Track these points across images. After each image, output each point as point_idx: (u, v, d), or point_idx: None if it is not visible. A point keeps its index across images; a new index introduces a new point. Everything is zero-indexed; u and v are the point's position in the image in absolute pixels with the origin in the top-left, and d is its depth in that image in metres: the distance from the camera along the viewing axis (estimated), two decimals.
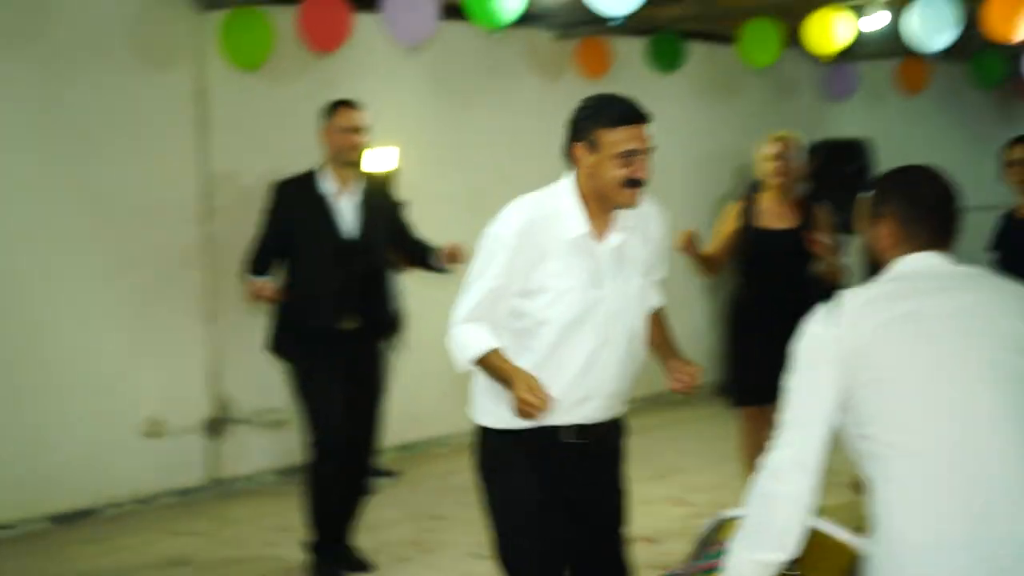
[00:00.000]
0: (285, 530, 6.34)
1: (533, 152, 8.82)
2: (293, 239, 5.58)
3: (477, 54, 8.53)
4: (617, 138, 3.42)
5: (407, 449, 8.16)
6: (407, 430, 8.09)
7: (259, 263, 5.63)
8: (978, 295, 2.61)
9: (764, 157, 5.95)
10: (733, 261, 6.02)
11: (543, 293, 3.49)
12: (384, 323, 5.91)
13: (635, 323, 3.60)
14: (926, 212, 2.67)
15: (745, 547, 2.65)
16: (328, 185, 5.59)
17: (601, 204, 3.50)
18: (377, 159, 7.26)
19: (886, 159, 10.66)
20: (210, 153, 7.24)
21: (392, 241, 5.81)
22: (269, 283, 5.55)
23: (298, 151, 6.31)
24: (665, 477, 7.49)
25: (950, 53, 9.18)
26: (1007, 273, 3.00)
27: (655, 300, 3.77)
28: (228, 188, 7.26)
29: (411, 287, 7.41)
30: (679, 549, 5.83)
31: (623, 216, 3.55)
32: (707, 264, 5.92)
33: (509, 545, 3.59)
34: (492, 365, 3.47)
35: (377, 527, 6.45)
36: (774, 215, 5.90)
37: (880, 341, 2.56)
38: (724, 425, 8.66)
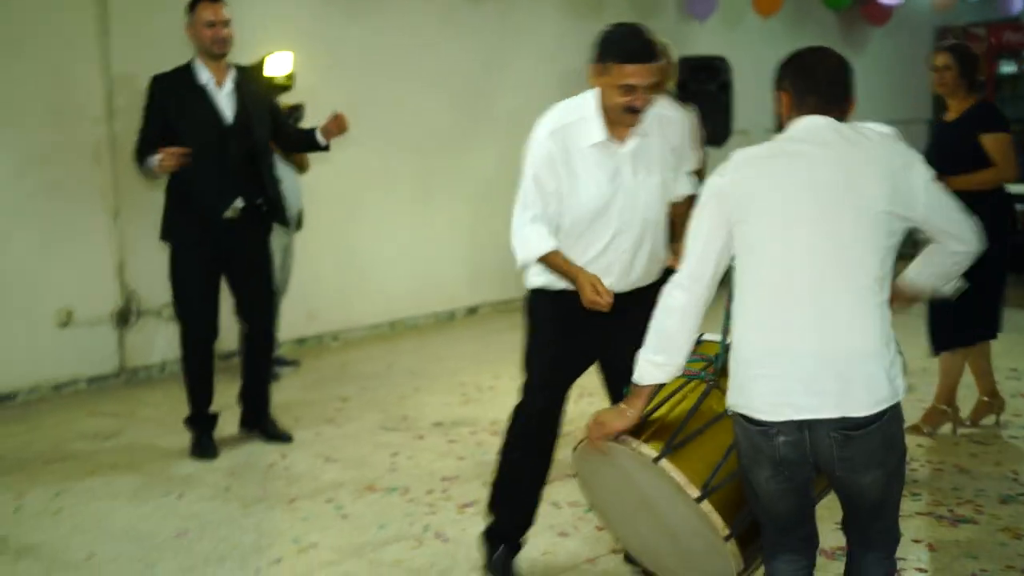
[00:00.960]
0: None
1: (411, 64, 9.26)
2: (174, 129, 5.76)
3: None
4: (623, 72, 3.88)
5: (301, 343, 8.56)
6: (302, 325, 8.50)
7: (145, 154, 5.77)
8: (845, 151, 3.08)
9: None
10: None
11: (573, 193, 4.06)
12: (267, 209, 6.04)
13: (649, 214, 4.13)
14: (814, 84, 3.16)
15: (646, 350, 3.26)
16: (203, 75, 5.85)
17: (611, 117, 4.03)
18: (276, 63, 7.58)
19: (743, 77, 11.36)
20: (111, 55, 7.48)
21: (271, 128, 6.04)
22: (166, 150, 5.66)
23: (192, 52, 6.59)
24: None
25: None
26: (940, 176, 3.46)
27: (684, 188, 4.30)
28: (129, 89, 7.49)
29: (307, 182, 7.77)
30: (570, 418, 6.50)
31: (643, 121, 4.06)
32: None
33: (531, 361, 4.31)
34: (554, 264, 4.06)
35: (290, 407, 6.89)
36: None
37: (752, 187, 3.11)
38: None
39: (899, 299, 3.26)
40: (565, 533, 4.89)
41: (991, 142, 5.82)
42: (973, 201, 4.48)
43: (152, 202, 6.63)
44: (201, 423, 6.10)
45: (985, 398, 6.27)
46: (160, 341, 7.75)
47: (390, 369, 8.00)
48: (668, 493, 3.29)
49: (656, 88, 4.01)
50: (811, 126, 3.12)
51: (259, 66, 7.46)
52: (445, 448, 6.13)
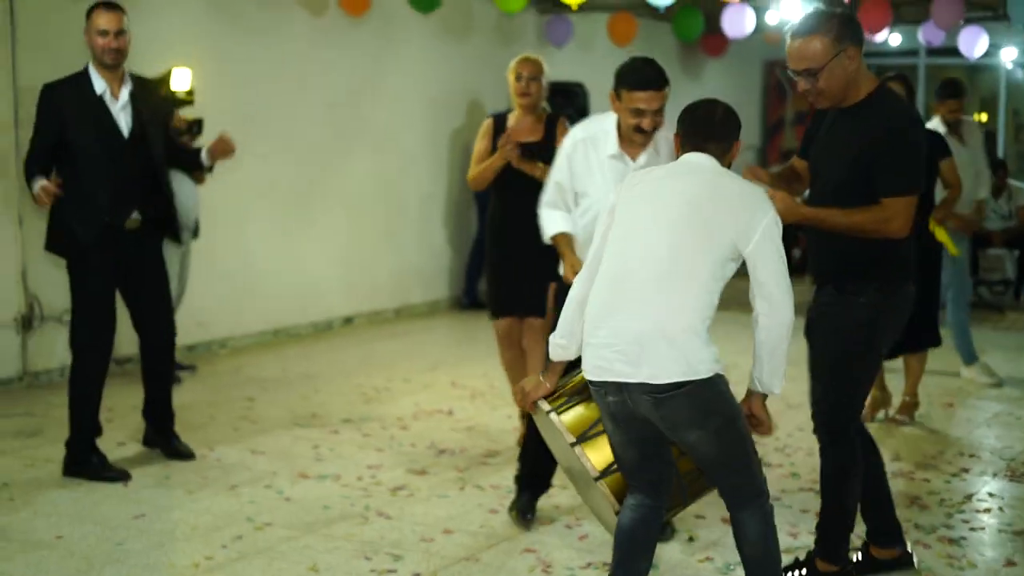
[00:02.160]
0: (110, 410, 6.98)
1: (301, 78, 9.67)
2: (68, 139, 5.69)
3: None
4: (632, 98, 4.62)
5: (191, 349, 8.84)
6: (193, 332, 8.78)
7: (36, 164, 5.70)
8: (689, 178, 3.77)
9: (513, 77, 6.17)
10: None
11: (586, 196, 4.86)
12: (163, 221, 6.07)
13: None
14: (695, 127, 3.88)
15: (554, 334, 3.99)
16: (98, 84, 5.75)
17: (625, 136, 4.76)
18: (177, 78, 7.91)
19: (596, 101, 12.07)
20: (18, 65, 7.70)
21: (164, 141, 6.07)
22: (48, 182, 5.62)
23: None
24: (437, 368, 8.57)
25: (653, 10, 10.60)
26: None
27: None
28: (34, 99, 7.70)
29: (203, 193, 8.11)
30: (470, 415, 7.03)
31: (654, 141, 4.75)
32: (482, 180, 6.27)
33: None
34: (558, 244, 4.98)
35: (200, 406, 7.23)
36: (523, 131, 6.14)
37: (629, 198, 3.81)
38: (474, 328, 9.90)
39: (758, 413, 3.88)
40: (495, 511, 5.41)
41: (947, 167, 6.84)
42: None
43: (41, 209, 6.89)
44: (89, 446, 5.89)
45: (907, 397, 7.11)
46: (61, 346, 7.94)
47: (285, 373, 8.38)
48: (563, 442, 3.99)
49: (658, 114, 4.65)
50: (690, 160, 3.86)
51: (164, 79, 7.78)
52: (361, 441, 6.56)
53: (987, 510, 5.42)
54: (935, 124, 7.71)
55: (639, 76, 4.61)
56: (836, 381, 4.30)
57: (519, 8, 9.37)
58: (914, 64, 15.41)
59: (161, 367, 6.28)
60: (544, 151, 5.93)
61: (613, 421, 3.80)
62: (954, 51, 12.25)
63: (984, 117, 16.07)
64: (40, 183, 5.63)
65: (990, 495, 5.65)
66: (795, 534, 5.00)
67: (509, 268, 6.23)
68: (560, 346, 3.95)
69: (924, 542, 4.98)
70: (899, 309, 4.31)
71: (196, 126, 7.84)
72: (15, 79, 7.69)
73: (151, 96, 6.10)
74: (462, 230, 11.54)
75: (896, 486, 5.73)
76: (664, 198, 3.77)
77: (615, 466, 3.94)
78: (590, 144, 4.84)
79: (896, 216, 4.12)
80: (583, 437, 3.97)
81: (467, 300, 11.31)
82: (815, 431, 4.44)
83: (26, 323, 7.79)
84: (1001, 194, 11.83)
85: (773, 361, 3.74)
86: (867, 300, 4.22)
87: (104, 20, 5.73)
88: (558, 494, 5.48)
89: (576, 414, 4.01)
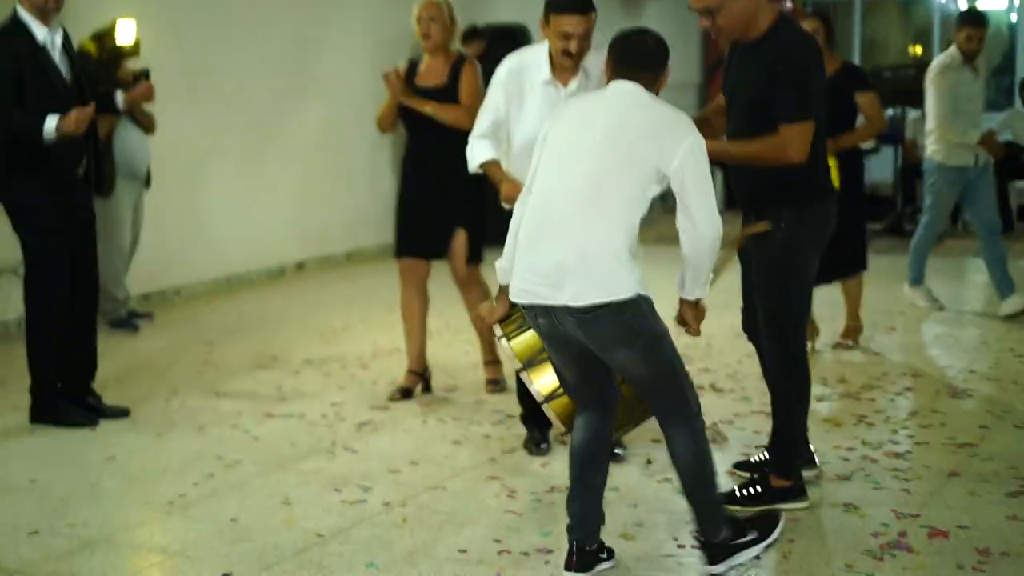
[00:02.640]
0: None
1: (249, 28, 9.69)
2: (22, 88, 5.60)
3: None
4: (559, 21, 4.81)
5: (147, 298, 8.89)
6: (146, 280, 8.83)
7: (13, 112, 5.58)
8: (615, 103, 3.93)
9: (415, 19, 6.06)
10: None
11: (521, 120, 4.99)
12: (100, 170, 6.10)
13: None
14: (625, 56, 4.01)
15: (499, 259, 4.10)
16: (38, 32, 5.65)
17: (555, 62, 4.91)
18: (122, 29, 7.90)
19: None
20: None
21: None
22: (74, 111, 5.53)
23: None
24: (392, 309, 8.68)
25: None
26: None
27: None
28: None
29: (154, 144, 8.14)
30: (427, 352, 7.16)
31: (584, 67, 4.89)
32: (383, 121, 6.27)
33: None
34: (489, 171, 5.14)
35: (161, 352, 7.33)
36: (429, 74, 6.10)
37: (557, 126, 3.98)
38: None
39: (685, 316, 4.10)
40: (458, 442, 5.57)
41: (866, 100, 6.86)
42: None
43: None
44: (54, 391, 5.92)
45: (850, 322, 7.33)
46: (17, 298, 7.96)
47: (241, 319, 8.47)
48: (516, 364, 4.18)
49: (585, 38, 4.80)
50: (618, 88, 4.00)
51: (110, 31, 7.78)
52: (323, 381, 6.69)
53: (930, 425, 5.65)
54: (951, 53, 7.91)
55: (566, 0, 4.80)
56: (775, 306, 4.49)
57: None
58: None
59: (91, 312, 6.12)
60: (448, 94, 5.98)
61: (549, 342, 3.98)
62: None
63: (919, 50, 16.32)
64: (56, 119, 5.49)
65: (933, 411, 5.88)
66: (747, 456, 5.20)
67: (417, 208, 6.20)
68: (504, 269, 4.08)
69: (872, 457, 5.19)
70: (818, 226, 4.49)
71: (144, 75, 7.85)
72: None
73: (72, 44, 5.97)
74: None
75: (843, 406, 5.98)
76: (589, 125, 3.93)
77: (561, 390, 4.10)
78: (523, 72, 5.01)
79: (791, 142, 4.28)
80: (530, 363, 4.12)
81: None
82: (766, 357, 4.65)
83: None
84: None
85: (695, 272, 3.95)
86: (785, 223, 4.40)
87: None
88: (519, 425, 5.64)
89: (525, 339, 4.15)
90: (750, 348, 4.98)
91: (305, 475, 5.14)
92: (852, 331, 7.29)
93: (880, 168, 12.71)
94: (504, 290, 4.12)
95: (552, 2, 4.83)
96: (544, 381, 4.12)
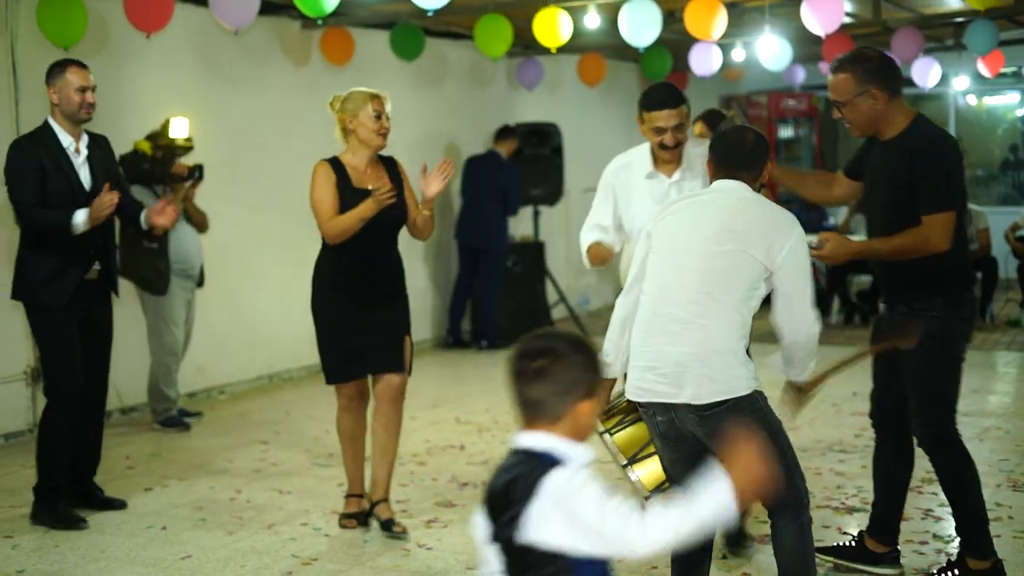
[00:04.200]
0: (128, 457, 7.12)
1: (286, 127, 9.85)
2: (44, 190, 5.80)
3: (233, 40, 9.32)
4: (651, 118, 5.07)
5: (192, 396, 8.95)
6: (192, 379, 8.90)
7: (41, 210, 5.81)
8: (722, 203, 4.07)
9: (369, 114, 5.75)
10: None
11: (630, 211, 5.19)
12: (114, 273, 6.21)
13: None
14: (725, 155, 4.17)
15: (602, 351, 4.17)
16: (63, 139, 5.89)
17: (656, 155, 5.14)
18: (176, 127, 8.06)
19: (569, 139, 12.37)
20: (21, 118, 7.82)
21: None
22: (98, 198, 5.76)
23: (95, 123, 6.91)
24: (439, 405, 8.76)
25: (620, 50, 10.89)
26: None
27: None
28: None
29: (206, 243, 8.27)
30: (481, 449, 7.22)
31: (687, 158, 5.11)
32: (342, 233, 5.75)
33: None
34: (593, 251, 5.24)
35: (215, 451, 7.36)
36: (372, 175, 5.83)
37: (664, 224, 4.12)
38: (463, 365, 10.10)
39: (794, 400, 4.26)
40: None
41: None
42: None
43: None
44: (57, 494, 5.97)
45: None
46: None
47: (289, 416, 8.51)
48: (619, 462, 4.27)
49: (679, 130, 5.00)
50: (721, 187, 4.14)
51: (164, 129, 7.95)
52: None
53: (997, 519, 5.68)
54: None
55: (655, 97, 5.08)
56: (928, 393, 4.66)
57: (502, 52, 9.61)
58: None
59: (99, 408, 6.27)
60: (398, 194, 5.68)
61: (663, 439, 4.04)
62: (906, 81, 12.66)
63: None
64: (84, 212, 5.75)
65: (997, 504, 5.91)
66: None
67: (350, 323, 5.70)
68: (608, 364, 4.17)
69: (946, 551, 5.23)
70: (968, 315, 4.68)
71: (197, 171, 7.97)
72: (18, 131, 7.80)
73: (102, 151, 6.15)
74: (443, 271, 11.74)
75: (908, 500, 6.00)
76: (697, 224, 4.04)
77: (667, 484, 4.16)
78: (628, 169, 5.25)
79: (933, 231, 4.47)
80: (634, 458, 4.20)
81: (451, 339, 11.50)
82: (919, 444, 4.80)
83: (35, 376, 7.87)
84: None
85: (794, 362, 4.10)
86: (938, 312, 4.56)
87: (82, 77, 5.91)
88: None
89: (628, 434, 4.24)
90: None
91: (384, 571, 5.16)
92: None
93: None
94: (603, 384, 4.17)
95: (644, 100, 5.10)
96: (649, 475, 4.18)
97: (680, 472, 4.07)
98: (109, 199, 5.78)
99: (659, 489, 4.17)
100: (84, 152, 5.98)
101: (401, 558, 5.34)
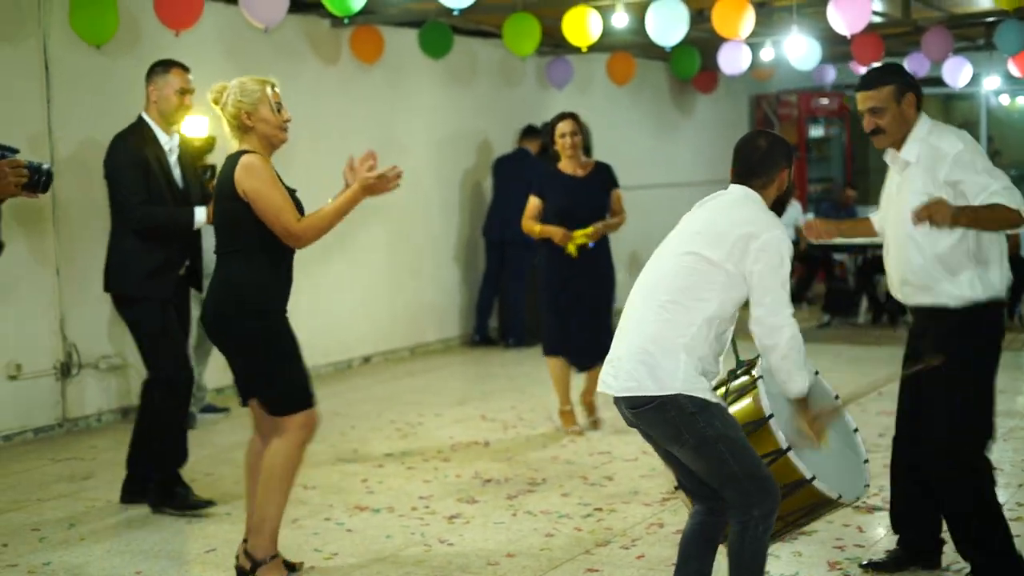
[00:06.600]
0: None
1: (316, 125, 9.91)
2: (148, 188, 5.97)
3: (263, 38, 9.37)
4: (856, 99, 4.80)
5: (220, 392, 9.02)
6: (220, 375, 8.95)
7: (150, 207, 5.98)
8: (712, 207, 4.14)
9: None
10: None
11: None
12: (200, 270, 6.41)
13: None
14: (736, 160, 4.21)
15: None
16: (162, 138, 6.06)
17: None
18: (192, 125, 8.10)
19: (598, 138, 12.38)
20: (54, 122, 7.92)
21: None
22: None
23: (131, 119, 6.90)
24: (465, 403, 8.80)
25: (649, 49, 10.90)
26: None
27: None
28: (69, 154, 7.96)
29: None
30: (506, 446, 7.24)
31: (917, 140, 4.67)
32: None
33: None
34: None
35: (242, 447, 7.40)
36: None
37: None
38: (489, 363, 10.15)
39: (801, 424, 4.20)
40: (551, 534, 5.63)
41: (616, 196, 7.62)
42: None
43: (88, 259, 7.34)
44: (177, 480, 6.13)
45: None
46: (99, 392, 8.15)
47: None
48: None
49: (877, 113, 4.63)
50: (727, 190, 4.20)
51: (207, 141, 7.99)
52: (407, 474, 6.77)
53: (1019, 518, 5.67)
54: None
55: (860, 79, 4.82)
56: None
57: (531, 51, 9.64)
58: None
59: (184, 409, 6.38)
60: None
61: (637, 430, 4.16)
62: (936, 80, 12.65)
63: None
64: (203, 210, 6.04)
65: (1019, 504, 5.90)
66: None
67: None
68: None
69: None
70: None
71: (208, 171, 8.01)
72: (51, 132, 7.91)
73: (186, 151, 6.34)
74: (472, 268, 11.78)
75: None
76: (683, 228, 4.15)
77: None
78: None
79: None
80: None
81: (478, 337, 11.53)
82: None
83: (65, 370, 7.97)
84: None
85: (780, 372, 4.02)
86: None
87: (184, 80, 6.09)
88: (607, 517, 5.72)
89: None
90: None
91: (405, 567, 5.20)
92: None
93: None
94: None
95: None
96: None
97: (668, 465, 4.22)
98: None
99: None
100: (176, 152, 6.15)
101: (423, 554, 5.38)
